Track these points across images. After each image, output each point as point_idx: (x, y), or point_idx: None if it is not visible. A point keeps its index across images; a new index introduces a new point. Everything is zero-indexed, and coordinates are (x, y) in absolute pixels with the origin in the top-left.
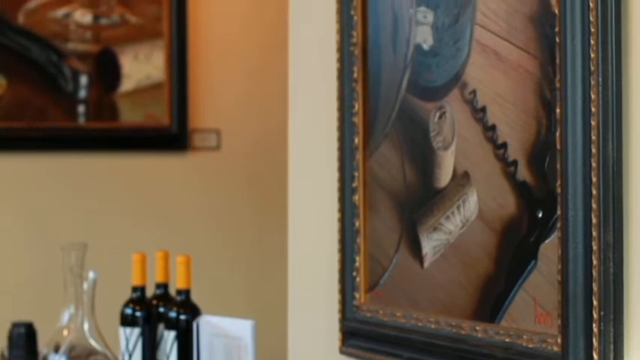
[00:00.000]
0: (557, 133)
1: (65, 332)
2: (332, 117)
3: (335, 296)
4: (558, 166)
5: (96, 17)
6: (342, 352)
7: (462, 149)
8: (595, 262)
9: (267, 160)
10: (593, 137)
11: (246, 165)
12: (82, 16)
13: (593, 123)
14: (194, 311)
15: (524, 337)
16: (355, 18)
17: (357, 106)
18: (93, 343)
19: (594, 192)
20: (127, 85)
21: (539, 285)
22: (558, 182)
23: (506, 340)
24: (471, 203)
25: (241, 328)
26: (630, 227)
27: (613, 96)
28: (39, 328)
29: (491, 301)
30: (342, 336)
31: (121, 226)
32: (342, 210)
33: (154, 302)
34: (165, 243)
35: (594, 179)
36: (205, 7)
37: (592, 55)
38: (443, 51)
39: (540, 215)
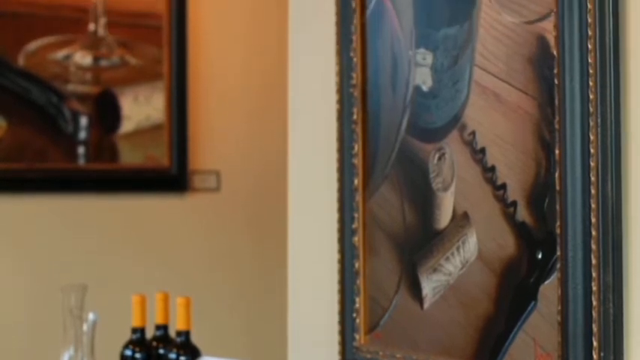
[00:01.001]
0: (557, 174)
1: None
2: (332, 158)
3: (335, 337)
4: (558, 207)
5: (96, 59)
6: None
7: (462, 190)
8: (595, 302)
9: (267, 201)
10: (592, 178)
11: (245, 206)
12: (82, 58)
13: (592, 164)
14: (194, 353)
15: None
16: (355, 60)
17: (357, 148)
18: None
19: (594, 233)
20: (126, 126)
21: (539, 326)
22: (558, 223)
23: None
24: (470, 244)
25: None
26: (630, 268)
27: (612, 137)
28: None
29: (491, 342)
30: None
31: (120, 267)
32: (342, 251)
33: (154, 344)
34: (165, 284)
35: (593, 220)
36: (205, 49)
37: (591, 97)
38: (442, 92)
39: (540, 256)
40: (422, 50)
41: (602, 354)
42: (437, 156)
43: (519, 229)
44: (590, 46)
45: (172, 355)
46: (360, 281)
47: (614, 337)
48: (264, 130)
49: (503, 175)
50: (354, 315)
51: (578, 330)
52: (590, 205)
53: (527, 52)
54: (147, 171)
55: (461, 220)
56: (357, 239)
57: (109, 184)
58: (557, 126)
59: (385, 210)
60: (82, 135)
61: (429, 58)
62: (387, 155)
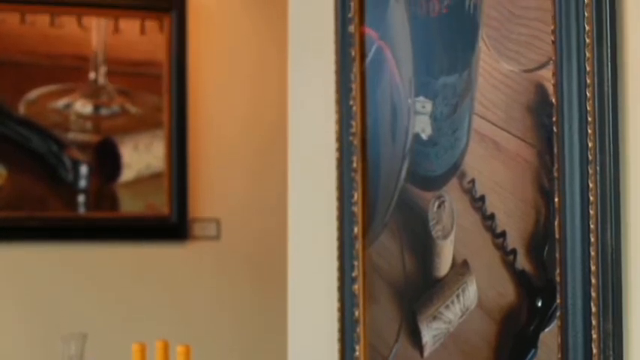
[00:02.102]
0: (556, 222)
1: None
2: (332, 206)
3: None
4: (557, 254)
5: (96, 107)
6: None
7: (461, 238)
8: (595, 350)
9: (267, 249)
10: (592, 226)
11: (246, 254)
12: (83, 107)
13: (591, 212)
14: None
15: None
16: (354, 108)
17: (357, 196)
18: None
19: (593, 281)
20: (127, 174)
21: None
22: (557, 271)
23: None
24: (470, 292)
25: None
26: (630, 316)
27: (611, 185)
28: None
29: None
30: None
31: (121, 316)
32: (342, 299)
33: None
34: (165, 332)
35: (593, 268)
36: (205, 97)
37: (589, 145)
38: (441, 141)
39: (540, 304)
40: (421, 98)
41: None
42: (436, 204)
43: (519, 277)
44: (588, 95)
45: None
46: (360, 329)
47: None
48: (264, 178)
49: (502, 222)
50: None
51: None
52: (589, 253)
53: (526, 100)
54: (147, 219)
55: (461, 268)
56: (357, 287)
57: (109, 232)
58: (556, 174)
59: (385, 258)
60: (82, 183)
61: (429, 107)
62: (386, 203)
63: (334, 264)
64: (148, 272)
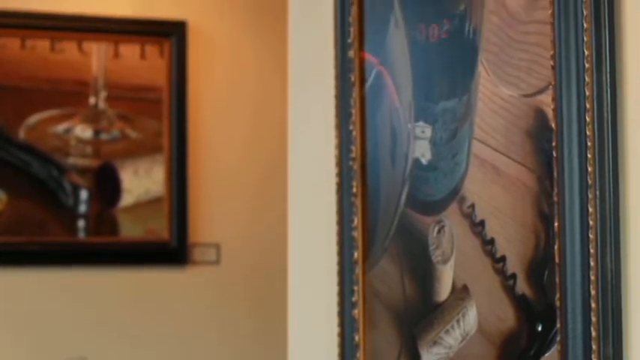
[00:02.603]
0: (556, 247)
1: None
2: (332, 231)
3: None
4: (557, 279)
5: (96, 132)
6: None
7: (461, 263)
8: None
9: (267, 274)
10: (592, 250)
11: (246, 279)
12: (83, 132)
13: (591, 236)
14: None
15: None
16: (354, 133)
17: (357, 221)
18: None
19: (593, 305)
20: (126, 199)
21: None
22: (557, 295)
23: None
24: (470, 317)
25: None
26: (630, 340)
27: (610, 209)
28: None
29: None
30: None
31: (120, 341)
32: (342, 324)
33: None
34: (164, 357)
35: (593, 292)
36: (205, 122)
37: (589, 169)
38: (441, 165)
39: (540, 328)
40: (421, 123)
41: None
42: (436, 228)
43: (519, 302)
44: (588, 119)
45: None
46: (360, 354)
47: None
48: (265, 203)
49: (502, 247)
50: None
51: None
52: (589, 278)
53: (526, 125)
54: (147, 244)
55: (461, 292)
56: (357, 312)
57: (109, 257)
58: (556, 198)
59: (385, 283)
60: (82, 208)
61: (428, 132)
62: (386, 228)
63: (334, 289)
64: (147, 297)
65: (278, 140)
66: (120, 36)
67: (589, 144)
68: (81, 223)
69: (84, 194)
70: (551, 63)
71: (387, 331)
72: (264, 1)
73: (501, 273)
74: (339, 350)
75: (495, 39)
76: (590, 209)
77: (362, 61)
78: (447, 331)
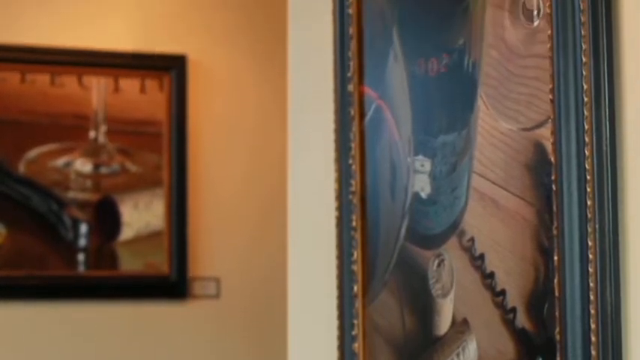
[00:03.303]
0: (556, 280)
1: None
2: (331, 265)
3: None
4: (557, 312)
5: (96, 166)
6: None
7: (461, 296)
8: None
9: (267, 308)
10: (591, 284)
11: (245, 313)
12: (83, 165)
13: (590, 270)
14: None
15: None
16: (354, 167)
17: (356, 254)
18: None
19: (593, 339)
20: (126, 233)
21: None
22: (557, 329)
23: None
24: (470, 350)
25: None
26: None
27: (610, 243)
28: None
29: None
30: None
31: None
32: (342, 358)
33: None
34: None
35: (593, 326)
36: (205, 156)
37: (588, 203)
38: (441, 199)
39: None
40: (420, 157)
41: None
42: (436, 262)
43: (519, 335)
44: (587, 153)
45: None
46: None
47: None
48: (264, 237)
49: (502, 281)
50: None
51: None
52: (589, 311)
53: (525, 158)
54: (147, 278)
55: (460, 326)
56: (357, 346)
57: (108, 291)
58: (555, 232)
59: (385, 316)
60: (82, 242)
61: (428, 165)
62: (386, 262)
63: (334, 322)
64: (147, 331)
65: (278, 174)
66: (120, 70)
67: (588, 177)
68: (81, 257)
69: (84, 228)
70: (550, 97)
71: None
72: (263, 35)
73: (501, 306)
74: None
75: (494, 73)
76: (590, 243)
77: (361, 95)
78: None
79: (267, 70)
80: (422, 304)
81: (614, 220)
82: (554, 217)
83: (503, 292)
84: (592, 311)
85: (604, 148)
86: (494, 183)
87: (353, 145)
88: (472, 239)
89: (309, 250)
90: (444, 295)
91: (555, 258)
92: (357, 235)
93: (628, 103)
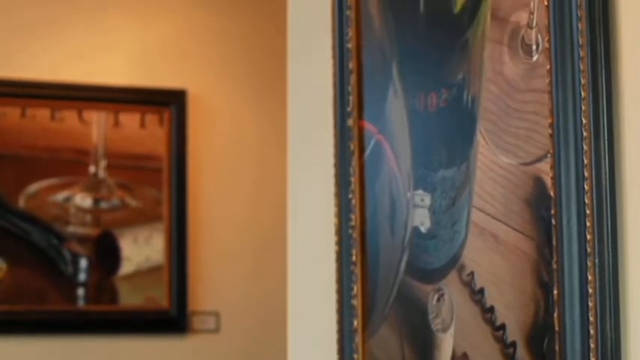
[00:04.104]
0: (555, 315)
1: None
2: (331, 299)
3: None
4: (557, 347)
5: (96, 201)
6: None
7: (461, 331)
8: None
9: (266, 342)
10: (591, 318)
11: (245, 348)
12: (83, 200)
13: (590, 304)
14: None
15: None
16: (353, 201)
17: (356, 289)
18: None
19: None
20: (126, 268)
21: None
22: None
23: None
24: None
25: None
26: None
27: (609, 277)
28: None
29: None
30: None
31: None
32: None
33: None
34: None
35: None
36: (205, 190)
37: (588, 237)
38: (440, 233)
39: None
40: (420, 192)
41: None
42: (436, 297)
43: None
44: (586, 187)
45: None
46: None
47: None
48: (264, 271)
49: (502, 315)
50: None
51: None
52: (589, 346)
53: (525, 193)
54: (146, 312)
55: None
56: None
57: (108, 325)
58: (555, 266)
59: (385, 351)
60: (82, 277)
61: (427, 200)
62: (386, 296)
63: (334, 357)
64: None
65: (277, 208)
66: (120, 105)
67: (588, 212)
68: (80, 292)
69: (83, 262)
70: (550, 131)
71: None
72: (263, 70)
73: (501, 341)
74: None
75: (494, 107)
76: (590, 277)
77: (361, 130)
78: None
79: (266, 104)
80: (422, 339)
81: (613, 254)
82: (553, 252)
83: (503, 327)
84: (592, 345)
85: (603, 182)
86: (493, 217)
87: (353, 179)
88: (472, 273)
89: (308, 284)
90: (444, 330)
91: (555, 292)
92: (357, 270)
93: (627, 137)
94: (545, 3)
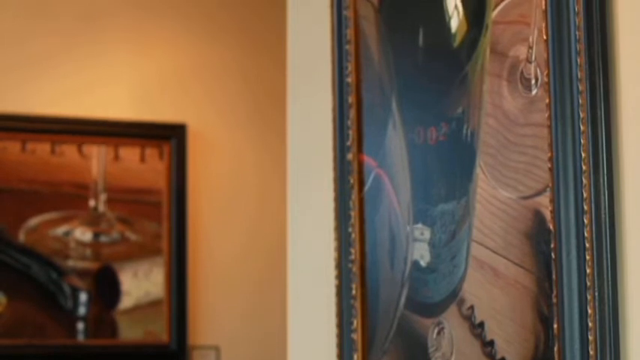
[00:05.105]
0: (555, 348)
1: None
2: (331, 333)
3: None
4: None
5: (96, 235)
6: None
7: None
8: None
9: None
10: (591, 352)
11: None
12: (83, 234)
13: (590, 338)
14: None
15: None
16: (353, 235)
17: (356, 323)
18: None
19: None
20: (126, 302)
21: None
22: None
23: None
24: None
25: None
26: None
27: (609, 311)
28: None
29: None
30: None
31: None
32: None
33: None
34: None
35: None
36: (205, 224)
37: (587, 271)
38: (440, 267)
39: None
40: (419, 225)
41: None
42: (436, 330)
43: None
44: (586, 221)
45: None
46: None
47: None
48: (264, 306)
49: (502, 349)
50: None
51: None
52: None
53: (524, 226)
54: (146, 347)
55: None
56: None
57: (108, 359)
58: (555, 300)
59: None
60: (82, 311)
61: (427, 234)
62: (386, 330)
63: None
64: None
65: (277, 242)
66: (119, 139)
67: (587, 246)
68: (80, 326)
69: (83, 297)
70: (549, 165)
71: None
72: (263, 104)
73: None
74: None
75: (493, 141)
76: (589, 311)
77: (361, 164)
78: None
79: (266, 138)
80: None
81: (613, 287)
82: (553, 285)
83: None
84: None
85: (603, 216)
86: (493, 251)
87: (352, 213)
88: (472, 307)
89: (309, 318)
90: None
91: (555, 326)
92: (357, 304)
93: (626, 171)
94: (544, 37)
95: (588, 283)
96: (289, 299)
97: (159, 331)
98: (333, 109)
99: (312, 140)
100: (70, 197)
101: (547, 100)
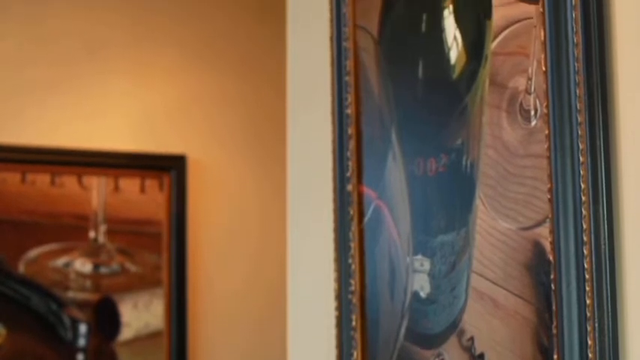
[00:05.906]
0: None
1: None
2: None
3: None
4: None
5: (96, 266)
6: None
7: None
8: None
9: None
10: None
11: None
12: (82, 265)
13: None
14: None
15: None
16: (353, 266)
17: (356, 354)
18: None
19: None
20: (126, 333)
21: None
22: None
23: None
24: None
25: None
26: None
27: (609, 342)
28: None
29: None
30: None
31: None
32: None
33: None
34: None
35: None
36: (205, 255)
37: (588, 302)
38: (440, 298)
39: None
40: (419, 257)
41: None
42: None
43: None
44: (586, 252)
45: None
46: None
47: None
48: (265, 337)
49: None
50: None
51: None
52: None
53: (524, 257)
54: None
55: None
56: None
57: None
58: (555, 331)
59: None
60: (82, 342)
61: (427, 265)
62: None
63: None
64: None
65: (278, 273)
66: (119, 170)
67: (587, 276)
68: (80, 357)
69: (83, 328)
70: (549, 196)
71: None
72: (263, 135)
73: None
74: None
75: (492, 173)
76: (590, 342)
77: (360, 195)
78: None
79: (267, 169)
80: None
81: (613, 318)
82: (553, 316)
83: None
84: None
85: (602, 247)
86: (493, 282)
87: (352, 244)
88: (472, 338)
89: (309, 350)
90: None
91: (555, 357)
92: (357, 335)
93: (626, 202)
94: (544, 68)
95: (588, 314)
96: (289, 330)
97: None
98: (333, 141)
99: (312, 171)
100: (70, 228)
101: (546, 132)
